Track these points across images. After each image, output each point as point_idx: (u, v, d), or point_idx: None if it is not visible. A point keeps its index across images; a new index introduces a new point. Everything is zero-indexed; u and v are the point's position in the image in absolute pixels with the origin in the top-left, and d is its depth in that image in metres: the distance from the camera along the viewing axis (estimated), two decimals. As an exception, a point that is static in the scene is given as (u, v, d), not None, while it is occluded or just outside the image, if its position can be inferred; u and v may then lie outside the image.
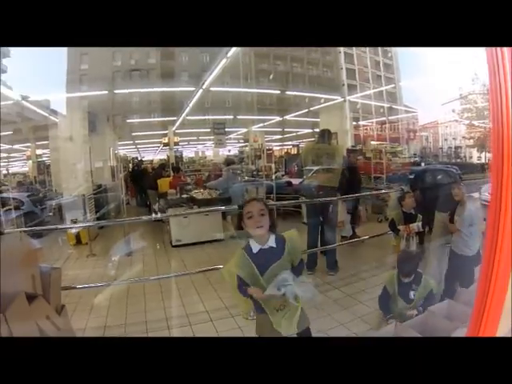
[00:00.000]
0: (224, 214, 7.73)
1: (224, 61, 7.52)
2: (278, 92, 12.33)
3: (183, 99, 11.48)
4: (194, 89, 10.09)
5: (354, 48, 15.18)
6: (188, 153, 18.84)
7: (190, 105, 11.10)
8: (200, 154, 19.48)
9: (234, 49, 7.03)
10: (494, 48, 1.25)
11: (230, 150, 17.99)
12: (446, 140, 16.72)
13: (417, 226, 4.33)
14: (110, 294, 4.76)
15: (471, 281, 3.61)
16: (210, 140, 15.32)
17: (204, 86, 9.35)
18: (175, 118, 13.12)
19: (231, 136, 16.09)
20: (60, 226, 6.60)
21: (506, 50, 1.23)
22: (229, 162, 8.54)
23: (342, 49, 13.84)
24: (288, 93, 12.36)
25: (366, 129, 14.82)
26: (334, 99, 11.21)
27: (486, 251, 1.34)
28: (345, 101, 11.23)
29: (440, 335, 2.31)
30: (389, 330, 2.91)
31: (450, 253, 4.08)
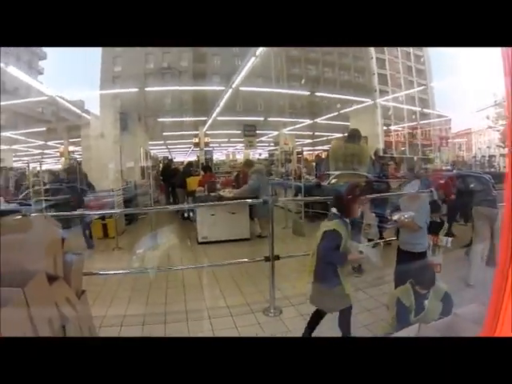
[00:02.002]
0: (251, 215, 7.72)
1: (253, 59, 7.48)
2: (309, 93, 12.26)
3: (214, 100, 11.56)
4: (223, 88, 10.16)
5: (386, 53, 14.96)
6: (219, 155, 18.95)
7: (221, 104, 11.15)
8: (231, 156, 19.56)
9: (262, 48, 6.95)
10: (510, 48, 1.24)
11: (260, 154, 18.01)
12: (479, 149, 16.19)
13: (446, 240, 4.07)
14: (131, 284, 4.84)
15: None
16: (241, 142, 15.33)
17: (234, 85, 9.37)
18: (206, 119, 13.22)
19: (262, 139, 16.11)
20: (87, 213, 6.79)
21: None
22: (248, 164, 8.47)
23: (374, 54, 13.69)
24: (318, 94, 12.30)
25: (398, 134, 14.59)
26: (364, 101, 11.10)
27: (501, 253, 1.31)
28: (376, 105, 11.11)
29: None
30: (412, 330, 2.80)
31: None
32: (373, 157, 6.40)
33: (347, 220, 3.27)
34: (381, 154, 8.34)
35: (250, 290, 4.87)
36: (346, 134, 5.71)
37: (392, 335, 2.85)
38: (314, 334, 3.43)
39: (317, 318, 3.48)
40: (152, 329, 3.89)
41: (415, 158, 11.36)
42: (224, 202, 7.27)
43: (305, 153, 14.01)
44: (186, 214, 9.41)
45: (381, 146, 10.42)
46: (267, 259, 4.38)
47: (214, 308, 4.34)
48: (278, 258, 4.41)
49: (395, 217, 3.89)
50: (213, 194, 7.85)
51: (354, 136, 5.48)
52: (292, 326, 3.92)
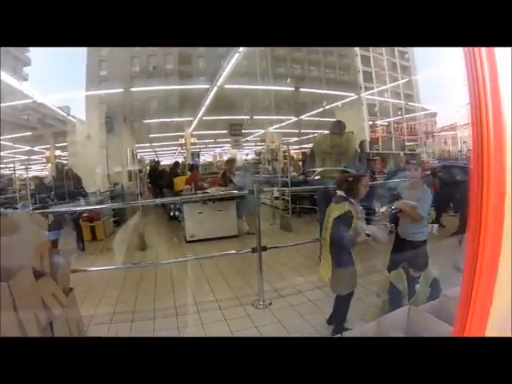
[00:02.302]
0: (239, 213, 7.72)
1: (237, 55, 7.51)
2: (293, 89, 12.31)
3: (199, 100, 11.56)
4: (208, 86, 10.16)
5: (370, 50, 15.03)
6: (206, 157, 18.86)
7: (206, 104, 11.16)
8: (218, 157, 19.48)
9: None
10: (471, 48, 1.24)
11: (247, 154, 17.96)
12: (464, 142, 16.28)
13: (432, 227, 4.08)
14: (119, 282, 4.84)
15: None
16: (227, 142, 15.30)
17: (218, 83, 9.41)
18: (192, 119, 13.20)
19: (248, 138, 16.09)
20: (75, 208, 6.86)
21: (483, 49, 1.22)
22: (230, 162, 8.54)
23: (358, 52, 13.77)
24: (303, 90, 12.35)
25: (383, 129, 14.65)
26: (349, 96, 11.16)
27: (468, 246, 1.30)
28: (361, 100, 11.18)
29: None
30: (403, 312, 2.83)
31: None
32: (358, 149, 6.40)
33: (354, 201, 3.40)
34: (367, 147, 8.35)
35: (238, 284, 4.88)
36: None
37: (383, 321, 2.88)
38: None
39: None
40: (141, 325, 3.88)
41: (401, 154, 11.38)
42: (208, 195, 7.37)
43: (291, 151, 14.05)
44: (172, 213, 9.36)
45: (367, 140, 10.45)
46: (254, 250, 4.40)
47: (203, 302, 4.34)
48: (265, 248, 4.42)
49: (398, 204, 3.87)
50: (200, 192, 7.84)
51: (338, 127, 5.46)
52: (281, 316, 3.93)
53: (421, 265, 3.34)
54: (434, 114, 15.70)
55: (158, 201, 9.02)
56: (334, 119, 11.05)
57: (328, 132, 5.51)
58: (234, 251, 5.34)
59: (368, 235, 3.32)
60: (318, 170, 5.70)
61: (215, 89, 9.97)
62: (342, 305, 3.52)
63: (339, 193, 3.47)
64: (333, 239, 3.35)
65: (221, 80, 9.36)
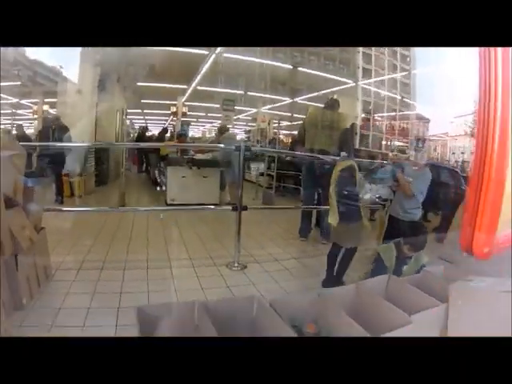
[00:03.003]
0: (222, 183, 7.61)
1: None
2: (291, 67, 12.20)
3: (196, 68, 11.33)
4: (207, 53, 9.94)
5: (372, 49, 14.98)
6: (196, 132, 18.62)
7: (202, 71, 10.98)
8: (208, 134, 19.25)
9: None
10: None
11: (236, 134, 17.82)
12: (453, 153, 16.35)
13: None
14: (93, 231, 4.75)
15: None
16: (218, 118, 15.13)
17: (217, 51, 9.26)
18: (186, 87, 12.99)
19: (240, 116, 15.94)
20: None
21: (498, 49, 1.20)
22: (223, 129, 8.45)
23: (360, 48, 13.72)
24: (301, 69, 12.24)
25: (375, 125, 14.61)
26: (346, 83, 11.10)
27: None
28: (357, 88, 11.13)
29: (436, 295, 2.20)
30: (382, 279, 2.77)
31: None
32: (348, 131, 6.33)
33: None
34: (357, 130, 8.29)
35: (215, 245, 4.84)
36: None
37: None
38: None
39: (333, 257, 3.81)
40: (110, 274, 3.79)
41: (390, 155, 11.37)
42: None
43: (281, 135, 14.01)
44: (156, 179, 9.21)
45: (358, 125, 10.41)
46: (234, 209, 4.31)
47: (177, 259, 4.27)
48: (245, 208, 4.35)
49: (398, 174, 3.91)
50: (186, 156, 7.72)
51: (332, 104, 5.43)
52: (255, 280, 3.89)
53: (418, 244, 3.28)
54: (427, 120, 15.74)
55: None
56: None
57: (322, 106, 5.47)
58: (212, 206, 5.67)
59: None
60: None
61: (213, 56, 9.78)
62: (345, 257, 3.74)
63: (343, 154, 4.30)
64: (338, 191, 3.69)
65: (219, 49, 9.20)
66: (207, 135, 18.88)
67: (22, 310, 2.92)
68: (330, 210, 3.78)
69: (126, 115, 12.68)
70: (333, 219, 3.71)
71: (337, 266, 3.76)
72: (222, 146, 6.73)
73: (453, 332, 1.99)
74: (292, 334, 1.79)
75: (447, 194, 5.88)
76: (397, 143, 14.61)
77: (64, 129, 7.58)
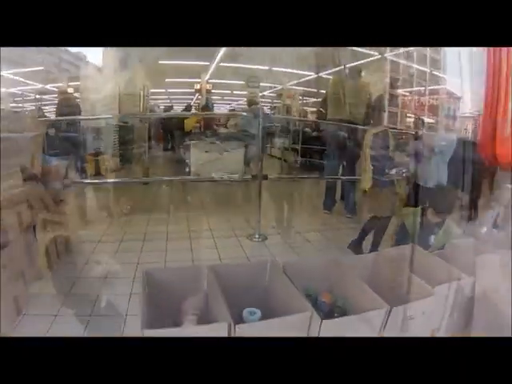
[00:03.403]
0: (246, 159, 7.51)
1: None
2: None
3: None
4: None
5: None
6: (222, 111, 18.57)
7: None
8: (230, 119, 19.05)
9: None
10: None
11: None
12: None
13: None
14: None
15: None
16: (243, 96, 15.04)
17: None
18: (208, 64, 12.91)
19: (265, 93, 15.81)
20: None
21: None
22: (251, 103, 8.39)
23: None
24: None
25: (403, 101, 14.24)
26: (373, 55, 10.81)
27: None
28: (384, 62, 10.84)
29: (463, 268, 2.07)
30: (407, 249, 2.61)
31: None
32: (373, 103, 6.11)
33: None
34: (385, 105, 8.06)
35: (236, 217, 4.81)
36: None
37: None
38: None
39: (370, 225, 3.74)
40: (129, 246, 3.82)
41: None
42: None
43: (307, 111, 13.84)
44: (183, 156, 9.20)
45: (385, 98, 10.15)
46: (254, 177, 4.26)
47: (197, 231, 4.26)
48: (266, 177, 4.29)
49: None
50: (209, 131, 7.71)
51: (355, 71, 5.46)
52: (276, 251, 3.83)
53: (444, 207, 2.94)
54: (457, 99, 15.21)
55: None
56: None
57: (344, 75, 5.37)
58: (232, 179, 5.55)
59: None
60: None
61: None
62: (379, 228, 3.66)
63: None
64: (372, 155, 3.61)
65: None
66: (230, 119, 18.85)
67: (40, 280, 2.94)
68: (363, 172, 3.72)
69: (149, 95, 12.72)
70: (366, 184, 3.65)
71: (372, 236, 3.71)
72: (244, 114, 6.61)
73: (480, 307, 1.93)
74: (306, 304, 1.70)
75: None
76: (426, 120, 14.24)
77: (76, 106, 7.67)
